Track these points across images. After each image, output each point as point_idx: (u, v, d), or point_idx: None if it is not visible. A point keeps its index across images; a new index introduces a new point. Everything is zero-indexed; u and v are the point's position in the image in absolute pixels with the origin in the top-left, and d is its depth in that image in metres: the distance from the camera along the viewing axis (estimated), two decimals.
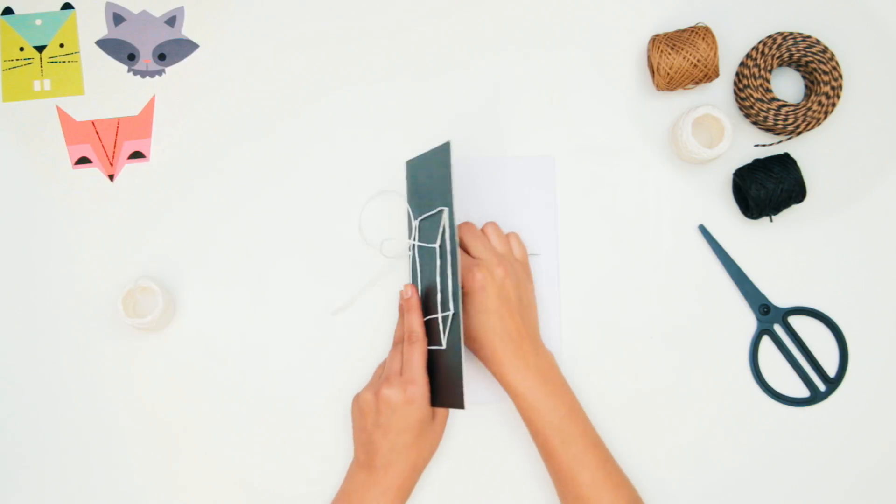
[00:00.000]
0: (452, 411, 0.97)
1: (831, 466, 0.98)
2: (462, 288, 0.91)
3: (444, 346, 0.91)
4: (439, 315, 0.92)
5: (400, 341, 0.95)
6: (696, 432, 0.98)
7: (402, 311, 0.96)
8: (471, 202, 1.00)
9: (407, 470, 0.90)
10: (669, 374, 0.98)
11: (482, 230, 0.96)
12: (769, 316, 0.98)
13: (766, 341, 0.98)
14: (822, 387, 0.98)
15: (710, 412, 0.98)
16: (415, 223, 0.97)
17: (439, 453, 0.96)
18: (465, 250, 0.94)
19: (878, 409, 0.98)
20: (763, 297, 0.98)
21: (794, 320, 0.99)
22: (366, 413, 0.91)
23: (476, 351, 0.93)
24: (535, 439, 0.91)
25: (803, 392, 0.98)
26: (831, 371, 0.98)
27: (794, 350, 0.98)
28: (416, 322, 0.93)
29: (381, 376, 0.93)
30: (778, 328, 0.98)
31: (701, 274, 0.99)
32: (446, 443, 0.97)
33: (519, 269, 0.95)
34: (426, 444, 0.92)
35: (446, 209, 0.92)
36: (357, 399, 0.93)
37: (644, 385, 0.98)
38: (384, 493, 0.90)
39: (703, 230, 0.99)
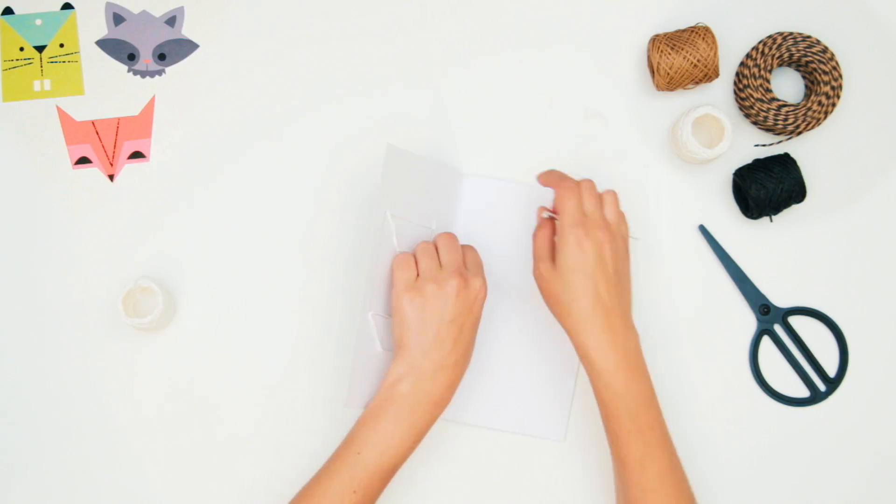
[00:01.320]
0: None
1: (831, 466, 0.98)
2: (558, 242, 0.87)
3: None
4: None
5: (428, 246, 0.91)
6: (697, 432, 0.98)
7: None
8: (482, 222, 0.99)
9: (456, 378, 0.88)
10: (669, 375, 0.98)
11: (588, 193, 0.89)
12: (769, 316, 0.98)
13: (766, 341, 0.98)
14: (822, 387, 0.98)
15: (709, 412, 0.98)
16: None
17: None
18: (567, 207, 0.88)
19: (878, 409, 0.98)
20: (763, 297, 0.98)
21: (794, 320, 0.99)
22: (430, 300, 0.87)
23: (561, 316, 0.87)
24: (606, 423, 0.87)
25: (803, 392, 0.98)
26: (831, 371, 0.98)
27: (795, 350, 0.98)
28: (446, 231, 0.93)
29: (436, 270, 0.89)
30: (778, 328, 0.98)
31: (701, 274, 0.99)
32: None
33: (620, 241, 0.88)
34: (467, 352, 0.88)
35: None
36: (420, 290, 0.88)
37: None
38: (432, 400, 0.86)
39: (704, 230, 0.99)
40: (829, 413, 0.98)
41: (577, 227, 0.86)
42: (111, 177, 1.02)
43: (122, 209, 1.02)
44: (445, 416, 0.93)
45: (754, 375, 0.98)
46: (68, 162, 1.02)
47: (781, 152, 0.98)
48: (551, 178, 0.91)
